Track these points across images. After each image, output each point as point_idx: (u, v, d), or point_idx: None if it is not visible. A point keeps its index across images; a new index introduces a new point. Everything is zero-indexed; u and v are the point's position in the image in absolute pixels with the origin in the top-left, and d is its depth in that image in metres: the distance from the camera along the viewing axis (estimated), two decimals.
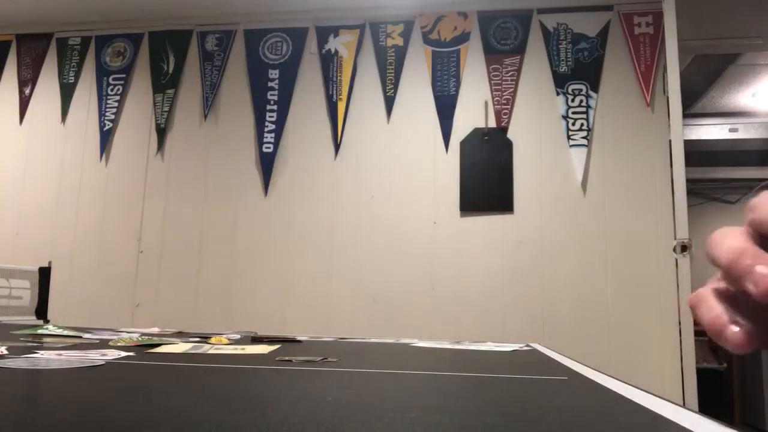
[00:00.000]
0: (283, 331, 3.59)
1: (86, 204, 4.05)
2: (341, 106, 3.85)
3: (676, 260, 3.01)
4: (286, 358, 1.30)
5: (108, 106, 4.12)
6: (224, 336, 2.06)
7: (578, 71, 3.65)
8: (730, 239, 0.39)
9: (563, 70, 3.67)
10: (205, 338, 1.94)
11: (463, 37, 3.80)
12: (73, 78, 4.22)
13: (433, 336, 3.44)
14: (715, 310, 0.40)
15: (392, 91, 3.81)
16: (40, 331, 1.93)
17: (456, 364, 1.27)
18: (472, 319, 3.50)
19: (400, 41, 3.87)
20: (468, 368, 1.18)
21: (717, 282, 0.42)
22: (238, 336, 2.16)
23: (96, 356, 1.21)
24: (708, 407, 4.68)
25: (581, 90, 3.63)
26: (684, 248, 2.95)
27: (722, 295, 0.40)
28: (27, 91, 4.27)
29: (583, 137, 3.58)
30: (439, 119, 3.73)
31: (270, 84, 3.95)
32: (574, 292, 3.45)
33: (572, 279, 3.47)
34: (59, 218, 4.06)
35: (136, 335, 1.96)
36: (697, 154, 5.62)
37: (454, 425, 0.58)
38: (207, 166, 3.95)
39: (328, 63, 3.92)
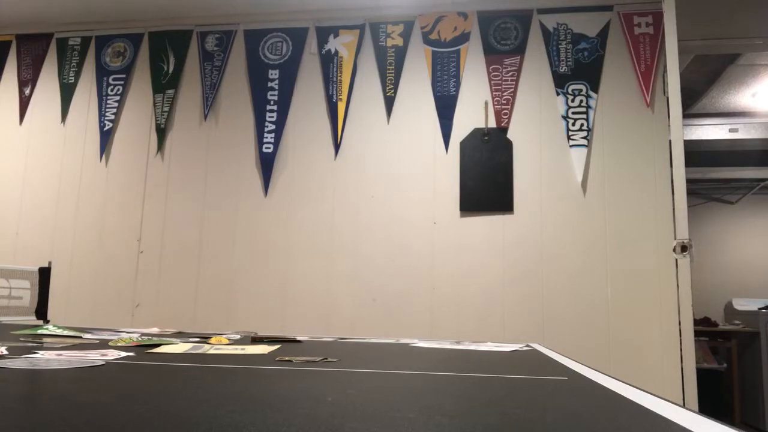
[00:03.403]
0: (283, 331, 3.59)
1: (86, 204, 4.05)
2: (341, 106, 3.85)
3: (676, 260, 3.01)
4: (286, 358, 1.30)
5: (108, 106, 4.12)
6: (224, 336, 2.07)
7: (578, 71, 3.65)
8: None
9: (563, 70, 3.67)
10: (205, 338, 1.94)
11: (463, 38, 3.80)
12: (73, 78, 4.22)
13: (433, 336, 3.44)
14: None
15: (392, 91, 3.81)
16: (40, 331, 1.93)
17: (456, 364, 1.27)
18: (472, 319, 3.50)
19: (400, 41, 3.87)
20: (468, 368, 1.18)
21: None
22: (238, 336, 2.16)
23: (96, 356, 1.21)
24: (708, 407, 4.68)
25: (581, 90, 3.63)
26: (684, 248, 2.94)
27: None
28: (27, 91, 4.27)
29: (583, 137, 3.58)
30: (439, 119, 3.73)
31: (270, 84, 3.95)
32: (574, 292, 3.45)
33: (572, 279, 3.47)
34: (59, 218, 4.06)
35: (136, 335, 1.96)
36: (697, 154, 5.62)
37: (454, 425, 0.58)
38: (207, 166, 3.95)
39: (328, 63, 3.92)
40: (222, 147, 3.96)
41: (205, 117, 4.00)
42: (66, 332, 1.92)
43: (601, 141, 3.58)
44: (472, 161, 3.65)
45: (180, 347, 1.53)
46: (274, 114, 3.90)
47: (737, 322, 5.74)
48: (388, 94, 3.81)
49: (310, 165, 3.83)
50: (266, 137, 3.87)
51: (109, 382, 0.85)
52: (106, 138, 4.08)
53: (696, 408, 2.78)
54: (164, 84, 4.08)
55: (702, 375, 3.22)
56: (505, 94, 3.70)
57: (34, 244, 4.05)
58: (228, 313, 3.75)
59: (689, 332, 2.96)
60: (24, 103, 4.26)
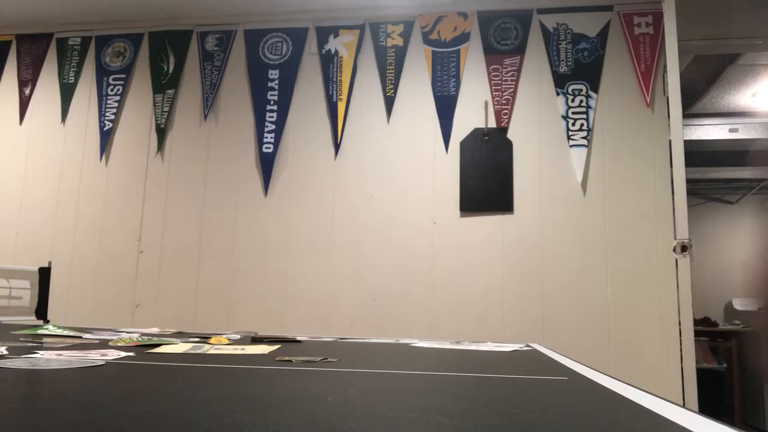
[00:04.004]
0: (283, 331, 3.59)
1: (86, 204, 4.05)
2: (341, 106, 3.85)
3: (676, 260, 3.01)
4: (286, 358, 1.30)
5: (108, 106, 4.12)
6: (224, 336, 2.07)
7: (578, 71, 3.65)
8: None
9: (563, 70, 3.67)
10: (205, 338, 1.94)
11: (463, 38, 3.80)
12: (73, 78, 4.22)
13: (433, 336, 3.44)
14: None
15: (392, 91, 3.81)
16: (40, 331, 1.94)
17: (456, 364, 1.27)
18: (472, 319, 3.50)
19: (400, 41, 3.87)
20: (468, 368, 1.18)
21: None
22: (238, 336, 2.16)
23: (96, 356, 1.21)
24: (708, 407, 4.68)
25: (581, 90, 3.63)
26: (684, 248, 2.94)
27: None
28: (27, 91, 4.27)
29: (583, 137, 3.58)
30: (439, 119, 3.73)
31: (270, 84, 3.95)
32: (574, 292, 3.45)
33: (572, 279, 3.47)
34: (59, 218, 4.06)
35: (136, 335, 1.96)
36: (697, 154, 5.61)
37: (454, 425, 0.58)
38: (207, 166, 3.95)
39: (328, 63, 3.92)
40: (222, 147, 3.96)
41: (205, 117, 4.00)
42: (66, 332, 1.92)
43: (601, 141, 3.58)
44: (472, 161, 3.65)
45: (180, 347, 1.53)
46: (274, 114, 3.90)
47: (737, 322, 5.74)
48: (388, 94, 3.81)
49: (310, 165, 3.83)
50: (266, 137, 3.87)
51: (109, 382, 0.85)
52: (106, 138, 4.08)
53: (696, 408, 2.78)
54: (164, 84, 4.08)
55: (702, 375, 3.22)
56: (505, 94, 3.70)
57: (34, 244, 4.05)
58: (228, 313, 3.75)
59: (689, 332, 2.96)
60: (24, 103, 4.26)
